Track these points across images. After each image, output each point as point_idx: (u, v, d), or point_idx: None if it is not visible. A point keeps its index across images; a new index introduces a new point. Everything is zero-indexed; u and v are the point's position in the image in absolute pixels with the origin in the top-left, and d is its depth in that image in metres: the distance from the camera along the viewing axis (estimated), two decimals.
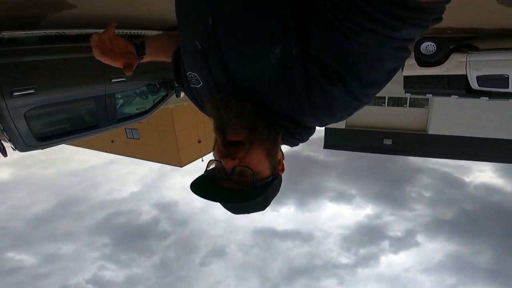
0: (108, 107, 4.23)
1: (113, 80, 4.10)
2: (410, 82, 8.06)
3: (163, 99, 5.25)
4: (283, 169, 0.82)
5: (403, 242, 30.27)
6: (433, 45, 6.67)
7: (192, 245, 32.92)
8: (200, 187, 0.72)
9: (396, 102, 14.12)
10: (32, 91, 3.38)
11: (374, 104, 14.44)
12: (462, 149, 13.50)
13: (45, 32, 3.57)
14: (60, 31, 3.64)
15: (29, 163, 38.12)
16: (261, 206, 0.79)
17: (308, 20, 0.62)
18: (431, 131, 13.59)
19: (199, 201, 32.31)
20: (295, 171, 36.35)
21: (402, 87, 8.45)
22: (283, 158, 0.83)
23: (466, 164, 28.77)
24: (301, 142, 0.85)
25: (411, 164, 31.21)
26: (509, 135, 12.55)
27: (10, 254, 30.15)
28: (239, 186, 0.71)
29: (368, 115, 14.45)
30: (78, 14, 3.63)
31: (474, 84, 6.79)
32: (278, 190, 0.83)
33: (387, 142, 14.11)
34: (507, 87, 6.36)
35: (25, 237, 31.41)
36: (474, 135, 12.92)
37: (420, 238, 30.01)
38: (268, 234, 33.91)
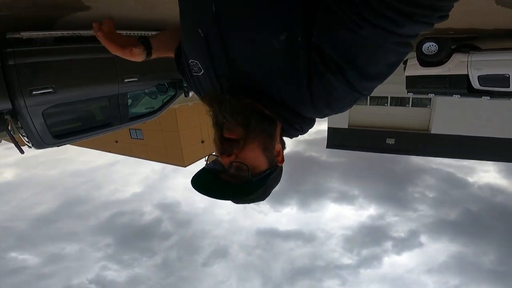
0: (120, 106, 4.38)
1: (125, 80, 4.25)
2: (413, 82, 8.15)
3: (172, 99, 5.39)
4: (282, 160, 0.82)
5: (406, 243, 30.16)
6: (435, 46, 6.77)
7: (195, 245, 32.96)
8: (200, 182, 0.75)
9: (399, 102, 14.18)
10: (50, 90, 3.53)
11: (377, 104, 14.52)
12: (465, 149, 13.53)
13: (62, 33, 3.72)
14: (75, 32, 3.78)
15: (33, 164, 38.38)
16: (261, 197, 0.80)
17: (315, 8, 0.62)
18: (434, 130, 13.63)
19: (201, 202, 32.44)
20: (298, 171, 36.43)
21: (405, 87, 8.55)
22: (284, 148, 0.84)
23: (470, 164, 28.74)
24: (300, 134, 0.85)
25: (415, 165, 31.14)
26: (511, 134, 12.60)
27: (13, 254, 30.27)
28: (237, 180, 0.73)
29: (370, 115, 14.53)
30: (93, 15, 3.77)
31: (475, 84, 6.89)
32: (279, 181, 0.84)
33: (390, 141, 14.17)
34: (508, 86, 6.46)
35: (29, 237, 31.56)
36: (477, 135, 12.96)
37: (423, 238, 29.90)
38: (270, 235, 33.94)
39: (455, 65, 6.92)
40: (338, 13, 0.57)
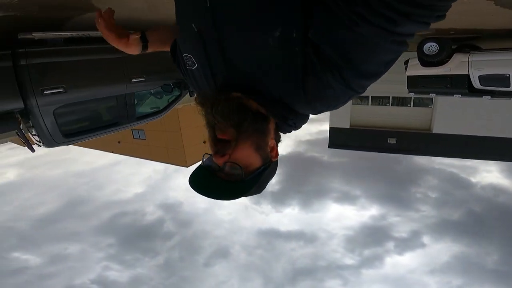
0: (128, 105, 4.48)
1: (132, 80, 4.35)
2: (414, 82, 8.20)
3: (177, 98, 5.49)
4: (277, 155, 0.83)
5: (408, 243, 30.08)
6: (436, 46, 6.84)
7: (196, 245, 33.01)
8: (198, 181, 0.76)
9: (400, 101, 14.24)
10: (61, 90, 3.62)
11: (379, 104, 14.60)
12: (466, 148, 13.58)
13: (71, 34, 3.81)
14: (85, 33, 3.87)
15: (36, 164, 38.56)
16: (257, 191, 0.82)
17: (312, 5, 0.62)
18: (435, 130, 13.69)
19: (203, 202, 32.50)
20: (300, 172, 36.51)
21: (406, 87, 8.64)
22: (279, 141, 0.84)
23: (473, 164, 28.62)
24: (294, 129, 0.86)
25: (417, 165, 31.04)
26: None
27: (16, 254, 30.38)
28: (232, 178, 0.74)
29: (372, 115, 14.61)
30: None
31: (476, 84, 6.94)
32: (274, 175, 0.86)
33: (392, 141, 14.22)
34: (509, 86, 6.52)
35: (31, 237, 31.67)
36: (478, 134, 13.01)
37: (425, 239, 29.81)
38: (272, 235, 33.96)
39: (456, 65, 6.98)
40: (337, 11, 0.57)
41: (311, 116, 0.84)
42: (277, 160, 0.84)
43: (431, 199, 30.14)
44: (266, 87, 0.73)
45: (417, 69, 7.73)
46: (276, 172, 0.87)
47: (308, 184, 36.67)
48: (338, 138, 15.24)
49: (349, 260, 30.62)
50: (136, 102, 4.94)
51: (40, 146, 4.28)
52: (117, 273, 30.28)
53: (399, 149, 14.58)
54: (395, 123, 14.37)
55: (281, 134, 0.86)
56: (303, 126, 0.88)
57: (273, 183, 35.88)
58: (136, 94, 4.60)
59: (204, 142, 17.39)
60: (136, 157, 19.41)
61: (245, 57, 0.72)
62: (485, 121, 12.56)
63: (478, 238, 27.56)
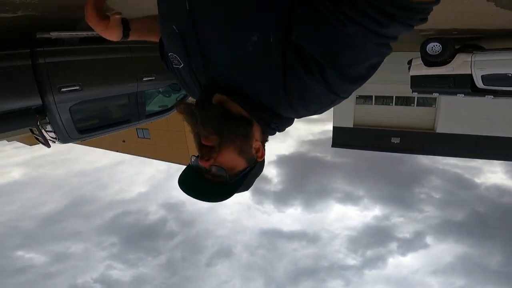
0: (139, 103, 4.63)
1: (144, 79, 4.50)
2: (417, 82, 8.28)
3: (185, 97, 5.64)
4: (262, 156, 0.84)
5: (411, 244, 30.05)
6: (439, 46, 6.93)
7: (199, 245, 33.17)
8: (187, 181, 0.79)
9: (404, 101, 14.27)
10: (77, 87, 3.78)
11: (382, 104, 14.64)
12: (470, 148, 13.56)
13: (87, 34, 3.96)
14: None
15: (41, 163, 38.93)
16: (244, 189, 0.84)
17: (293, 7, 0.62)
18: (439, 129, 13.69)
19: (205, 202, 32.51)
20: (302, 172, 36.57)
21: (409, 87, 8.70)
22: (267, 141, 0.86)
23: (477, 165, 28.56)
24: (278, 131, 0.87)
25: (421, 165, 30.97)
26: None
27: (20, 253, 30.68)
28: (219, 179, 0.77)
29: (376, 114, 14.64)
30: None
31: (479, 83, 7.00)
32: (260, 173, 0.88)
33: (395, 140, 14.24)
34: (511, 85, 6.61)
35: (35, 236, 31.99)
36: (482, 134, 13.01)
37: (429, 240, 29.78)
38: (274, 235, 34.05)
39: (458, 65, 7.05)
40: (324, 12, 0.57)
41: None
42: (263, 159, 0.86)
43: (435, 200, 30.09)
44: (248, 90, 0.74)
45: (420, 69, 7.82)
46: (263, 171, 0.90)
47: (311, 184, 36.77)
48: (341, 138, 15.27)
49: (351, 261, 30.68)
50: (147, 100, 5.09)
51: (55, 143, 4.44)
52: (120, 272, 30.56)
53: (403, 149, 14.59)
54: (399, 122, 14.39)
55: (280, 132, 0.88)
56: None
57: (276, 183, 35.90)
58: (148, 92, 4.75)
59: None
60: (141, 156, 19.60)
61: (225, 61, 0.73)
62: (489, 120, 12.55)
63: (481, 239, 27.50)
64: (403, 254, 30.33)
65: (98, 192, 38.27)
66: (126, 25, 0.98)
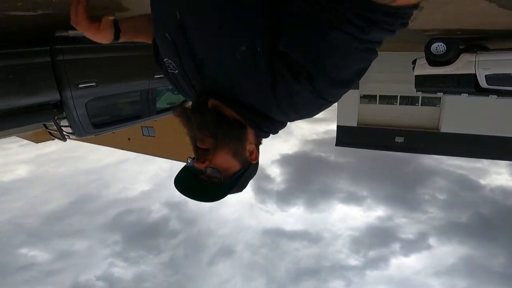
0: (150, 100, 4.80)
1: (155, 76, 4.66)
2: (421, 81, 8.37)
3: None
4: (256, 158, 0.87)
5: (414, 245, 29.81)
6: (443, 46, 7.01)
7: (201, 244, 33.16)
8: (183, 182, 0.83)
9: (409, 101, 14.30)
10: (93, 84, 3.94)
11: (387, 103, 14.70)
12: (475, 148, 13.57)
13: None
14: None
15: (46, 161, 39.35)
16: (237, 191, 0.87)
17: (279, 17, 0.63)
18: (444, 129, 13.71)
19: None
20: (306, 171, 36.59)
21: (414, 86, 8.78)
22: (260, 144, 0.88)
23: (482, 166, 28.35)
24: (271, 134, 0.89)
25: (425, 166, 30.71)
26: None
27: (23, 251, 30.87)
28: (214, 180, 0.80)
29: (380, 114, 14.70)
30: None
31: (483, 83, 7.06)
32: (254, 175, 0.91)
33: (399, 140, 14.27)
34: None
35: (39, 233, 32.21)
36: (486, 134, 13.03)
37: (432, 241, 29.55)
38: (276, 235, 33.95)
39: (463, 65, 7.12)
40: (307, 20, 0.59)
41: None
42: (257, 162, 0.89)
43: (439, 201, 29.89)
44: (240, 96, 0.76)
45: (424, 69, 7.91)
46: (257, 173, 0.93)
47: (314, 184, 36.67)
48: (345, 136, 15.33)
49: (353, 261, 30.56)
50: (157, 96, 5.26)
51: (69, 137, 4.61)
52: (122, 270, 30.65)
53: (407, 148, 14.63)
54: (403, 122, 14.42)
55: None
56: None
57: (279, 182, 36.00)
58: (158, 89, 4.91)
59: None
60: (146, 154, 19.80)
61: (216, 69, 0.75)
62: (493, 120, 12.56)
63: (485, 240, 27.30)
64: (406, 255, 30.20)
65: (102, 190, 38.51)
66: (116, 27, 1.00)
